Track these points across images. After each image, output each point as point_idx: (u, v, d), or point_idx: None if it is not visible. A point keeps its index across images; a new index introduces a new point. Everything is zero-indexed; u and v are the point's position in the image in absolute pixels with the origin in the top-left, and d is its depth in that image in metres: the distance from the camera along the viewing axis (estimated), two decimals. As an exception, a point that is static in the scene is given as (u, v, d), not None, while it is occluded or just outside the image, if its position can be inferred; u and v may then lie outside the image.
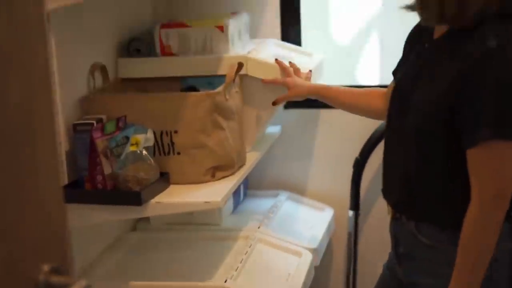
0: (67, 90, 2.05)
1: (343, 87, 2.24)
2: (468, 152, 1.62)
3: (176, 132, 2.11)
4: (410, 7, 1.79)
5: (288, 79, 2.29)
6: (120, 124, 2.03)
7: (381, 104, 2.08)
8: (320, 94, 2.25)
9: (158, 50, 2.41)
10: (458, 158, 1.64)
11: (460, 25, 1.61)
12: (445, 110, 1.63)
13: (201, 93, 2.14)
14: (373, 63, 3.18)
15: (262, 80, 2.32)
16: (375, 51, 3.16)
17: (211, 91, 2.12)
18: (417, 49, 1.81)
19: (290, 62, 2.36)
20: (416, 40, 1.83)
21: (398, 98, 1.82)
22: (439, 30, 1.72)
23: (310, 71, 2.40)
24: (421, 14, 1.69)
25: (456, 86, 1.60)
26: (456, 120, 1.62)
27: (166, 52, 2.40)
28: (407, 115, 1.75)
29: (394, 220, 1.86)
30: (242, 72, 2.29)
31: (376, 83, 3.15)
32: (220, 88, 2.14)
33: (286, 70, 2.32)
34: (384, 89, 2.10)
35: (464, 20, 1.61)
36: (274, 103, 2.31)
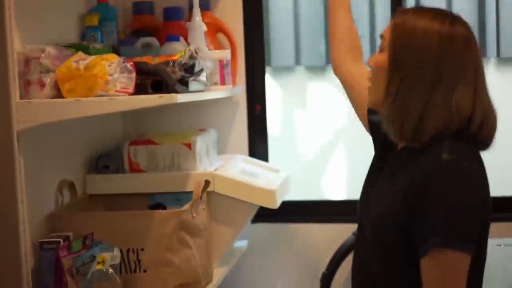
0: (34, 207, 2.07)
1: None
2: (421, 262, 1.65)
3: (142, 249, 2.12)
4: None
5: None
6: (87, 242, 2.04)
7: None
8: None
9: (126, 166, 2.44)
10: (415, 266, 1.66)
11: (417, 145, 1.68)
12: (400, 221, 1.67)
13: (168, 211, 2.16)
14: (340, 177, 3.24)
15: None
16: (341, 165, 3.23)
17: (178, 209, 2.15)
18: (382, 155, 1.86)
19: None
20: (384, 142, 1.87)
21: (361, 202, 1.86)
22: (401, 143, 1.78)
23: None
24: (387, 131, 1.75)
25: (410, 198, 1.65)
26: (410, 231, 1.66)
27: (135, 168, 2.44)
28: (366, 222, 1.79)
29: None
30: (210, 188, 2.32)
31: (344, 197, 3.21)
32: (186, 206, 2.17)
33: None
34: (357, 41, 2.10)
35: (421, 141, 1.67)
36: None
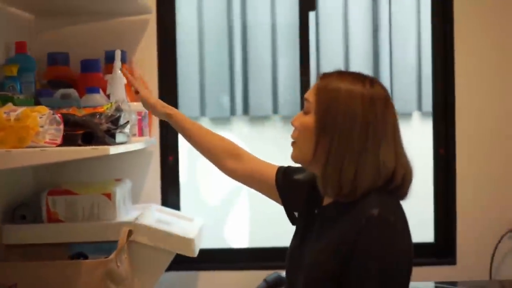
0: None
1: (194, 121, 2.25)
2: None
3: (68, 299, 2.13)
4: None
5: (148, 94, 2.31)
6: (11, 293, 2.03)
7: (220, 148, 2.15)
8: (171, 114, 2.22)
9: (44, 216, 2.44)
10: None
11: (350, 200, 1.78)
12: (331, 275, 1.74)
13: (95, 260, 2.18)
14: (243, 226, 3.33)
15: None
16: (244, 213, 3.31)
17: (104, 259, 2.17)
18: (307, 212, 1.94)
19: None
20: (308, 198, 1.96)
21: (291, 258, 1.93)
22: (328, 198, 1.87)
23: None
24: (322, 189, 1.84)
25: (341, 252, 1.73)
26: (343, 282, 1.74)
27: (53, 218, 2.44)
28: (297, 277, 1.86)
29: None
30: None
31: (246, 245, 3.29)
32: (112, 255, 2.19)
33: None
34: (233, 144, 2.16)
35: (354, 197, 1.78)
36: (136, 92, 2.31)
